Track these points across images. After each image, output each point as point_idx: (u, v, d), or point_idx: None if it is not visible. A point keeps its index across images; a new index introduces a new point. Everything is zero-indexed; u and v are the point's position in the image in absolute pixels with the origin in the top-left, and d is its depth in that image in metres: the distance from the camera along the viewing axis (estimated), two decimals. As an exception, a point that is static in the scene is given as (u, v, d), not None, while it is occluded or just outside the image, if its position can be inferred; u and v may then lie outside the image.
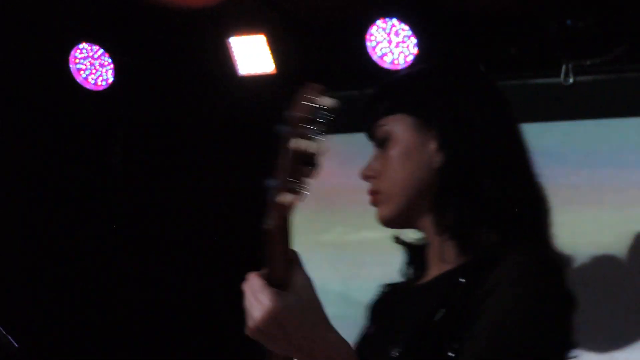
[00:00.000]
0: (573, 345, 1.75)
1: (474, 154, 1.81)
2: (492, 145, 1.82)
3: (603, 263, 4.15)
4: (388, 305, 1.96)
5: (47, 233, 4.77)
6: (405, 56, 4.24)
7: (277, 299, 1.53)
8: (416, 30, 4.22)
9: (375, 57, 4.27)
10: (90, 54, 4.66)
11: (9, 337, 2.62)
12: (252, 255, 1.67)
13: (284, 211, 1.53)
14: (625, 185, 4.26)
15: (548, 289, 1.70)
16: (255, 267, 1.58)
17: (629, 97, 4.30)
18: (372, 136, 1.92)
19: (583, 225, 4.12)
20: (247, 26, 4.45)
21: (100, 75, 4.66)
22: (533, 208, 1.83)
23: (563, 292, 1.72)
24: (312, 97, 1.53)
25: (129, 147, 5.01)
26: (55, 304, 4.73)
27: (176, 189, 4.90)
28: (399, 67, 4.25)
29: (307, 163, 1.52)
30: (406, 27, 4.23)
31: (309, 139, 1.52)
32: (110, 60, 4.65)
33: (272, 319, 1.53)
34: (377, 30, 4.26)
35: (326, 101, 1.54)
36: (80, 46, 4.66)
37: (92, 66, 4.66)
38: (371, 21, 4.26)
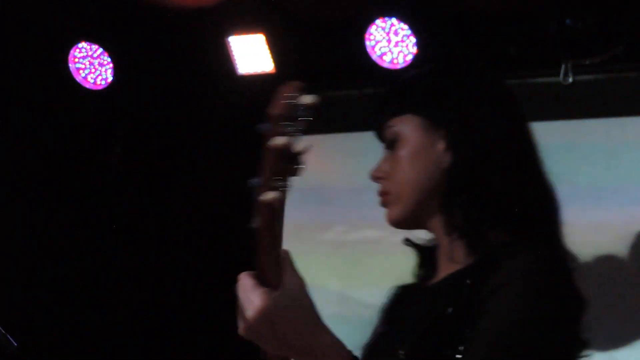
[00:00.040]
0: (583, 345, 1.75)
1: (482, 153, 1.81)
2: (500, 145, 1.82)
3: (603, 263, 4.15)
4: (399, 306, 1.96)
5: (45, 232, 4.77)
6: (405, 55, 4.24)
7: (267, 299, 1.53)
8: (415, 30, 4.22)
9: (374, 57, 4.27)
10: (90, 53, 4.65)
11: (8, 335, 2.62)
12: (252, 255, 1.66)
13: (269, 210, 1.53)
14: (625, 184, 4.26)
15: (553, 288, 1.69)
16: (253, 267, 1.58)
17: (628, 96, 4.30)
18: (381, 137, 1.92)
19: (583, 225, 4.12)
20: (247, 25, 4.45)
21: (100, 74, 4.66)
22: (542, 207, 1.83)
23: (569, 290, 1.71)
24: (291, 94, 1.53)
25: (128, 147, 5.00)
26: (54, 302, 4.73)
27: (176, 188, 4.90)
28: (398, 67, 4.25)
29: (289, 161, 1.52)
30: (405, 27, 4.23)
31: (289, 136, 1.52)
32: (109, 60, 4.64)
33: (263, 318, 1.54)
34: (376, 30, 4.26)
35: (306, 99, 1.54)
36: (80, 45, 4.65)
37: (92, 65, 4.66)
38: (370, 20, 4.26)
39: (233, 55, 4.47)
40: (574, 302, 1.72)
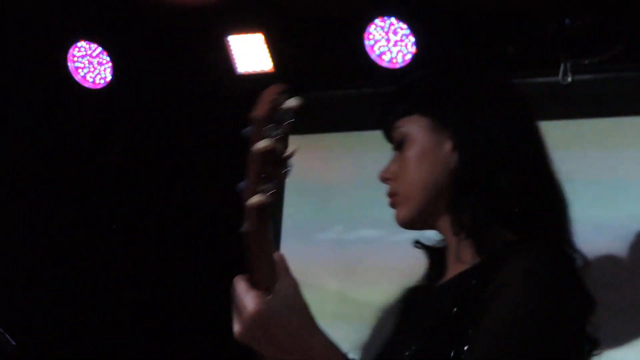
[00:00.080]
0: (593, 344, 1.74)
1: (488, 153, 1.81)
2: (507, 144, 1.82)
3: (603, 263, 4.15)
4: (410, 306, 1.96)
5: (44, 232, 4.76)
6: (404, 55, 4.24)
7: (259, 303, 1.53)
8: (414, 29, 4.22)
9: (373, 56, 4.27)
10: (89, 52, 4.65)
11: (7, 335, 2.61)
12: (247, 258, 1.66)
13: (256, 214, 1.52)
14: (624, 184, 4.26)
15: (555, 286, 1.69)
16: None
17: (628, 96, 4.29)
18: (389, 138, 1.93)
19: (582, 225, 4.11)
20: (245, 25, 4.45)
21: (99, 73, 4.66)
22: (551, 206, 1.83)
23: (573, 289, 1.71)
24: (274, 97, 1.53)
25: (127, 146, 5.00)
26: (52, 302, 4.73)
27: (175, 187, 4.89)
28: (397, 66, 4.24)
29: (275, 164, 1.51)
30: (404, 26, 4.23)
31: (273, 139, 1.51)
32: (108, 59, 4.64)
33: (256, 322, 1.54)
34: (375, 29, 4.25)
35: (289, 101, 1.53)
36: (79, 44, 4.65)
37: (91, 64, 4.65)
38: (369, 20, 4.26)
39: (232, 55, 4.47)
40: (579, 301, 1.72)
